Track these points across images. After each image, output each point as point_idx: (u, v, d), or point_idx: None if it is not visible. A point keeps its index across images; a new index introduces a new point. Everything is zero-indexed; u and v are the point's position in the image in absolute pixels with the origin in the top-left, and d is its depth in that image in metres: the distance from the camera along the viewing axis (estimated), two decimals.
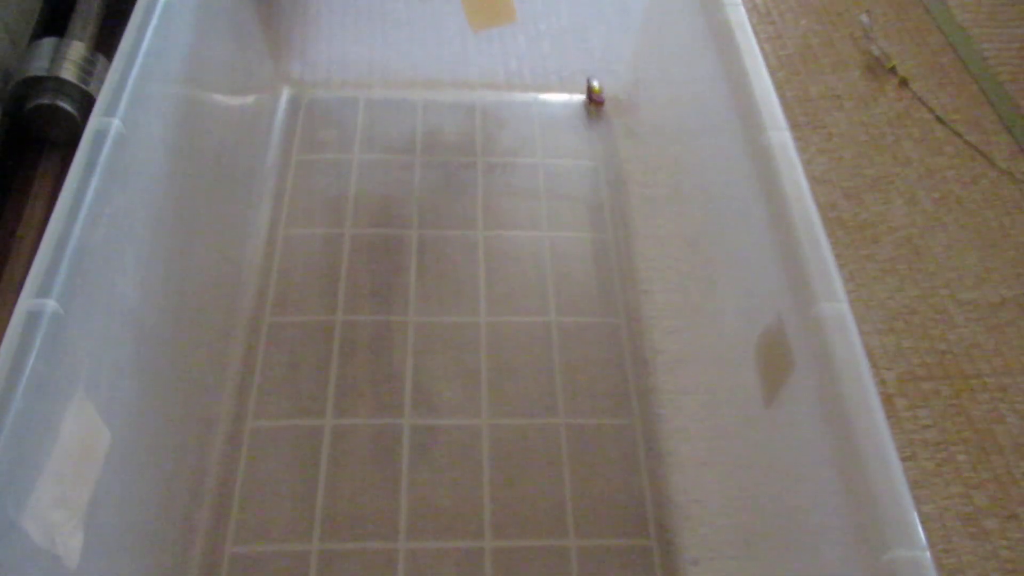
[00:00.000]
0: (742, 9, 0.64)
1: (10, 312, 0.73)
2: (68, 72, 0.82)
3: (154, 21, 0.59)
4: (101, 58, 0.86)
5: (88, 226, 0.48)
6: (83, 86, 0.83)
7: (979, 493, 0.71)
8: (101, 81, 0.85)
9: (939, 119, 1.00)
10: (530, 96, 0.94)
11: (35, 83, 0.82)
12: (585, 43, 0.91)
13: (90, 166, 0.51)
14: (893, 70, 1.04)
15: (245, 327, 0.73)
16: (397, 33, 0.89)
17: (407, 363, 0.72)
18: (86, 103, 0.84)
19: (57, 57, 0.83)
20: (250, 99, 0.85)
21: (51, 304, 0.45)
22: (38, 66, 0.82)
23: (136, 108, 0.55)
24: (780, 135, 0.56)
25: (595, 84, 0.91)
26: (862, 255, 0.87)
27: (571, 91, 0.95)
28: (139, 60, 0.56)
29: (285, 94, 0.91)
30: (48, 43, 0.84)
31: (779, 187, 0.54)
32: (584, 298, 0.78)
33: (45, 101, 0.82)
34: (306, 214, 0.82)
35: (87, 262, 0.48)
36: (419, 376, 0.71)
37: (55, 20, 0.91)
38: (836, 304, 0.48)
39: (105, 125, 0.53)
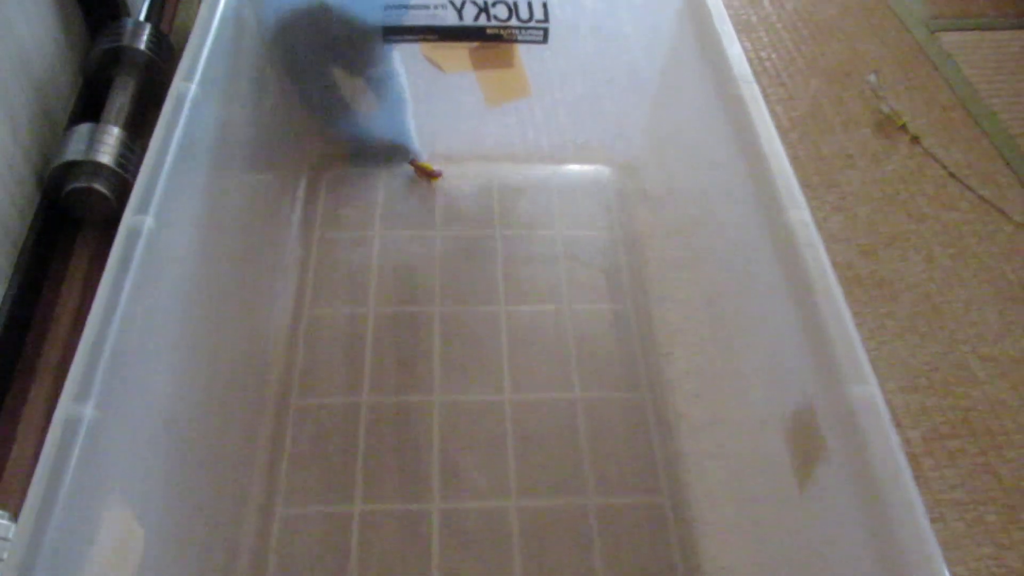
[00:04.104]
0: (755, 86, 0.65)
1: (47, 393, 0.76)
2: (104, 156, 0.86)
3: (183, 118, 0.60)
4: (135, 141, 0.90)
5: (123, 326, 0.49)
6: (118, 169, 0.86)
7: (1011, 554, 0.71)
8: (135, 163, 0.89)
9: (952, 175, 1.01)
10: (547, 167, 0.96)
11: (72, 167, 0.85)
12: (599, 113, 0.93)
13: (124, 266, 0.51)
14: (904, 128, 1.06)
15: (273, 410, 0.74)
16: (414, 109, 0.91)
17: (434, 444, 0.73)
18: (121, 185, 0.87)
19: (93, 141, 0.87)
20: (273, 179, 0.87)
21: (89, 411, 0.45)
22: (75, 150, 0.86)
23: (167, 203, 0.56)
24: (800, 214, 0.56)
25: (420, 161, 0.94)
26: (881, 313, 0.87)
27: (587, 161, 0.97)
28: (169, 157, 0.58)
29: (307, 172, 0.94)
30: (84, 128, 0.88)
31: (803, 271, 0.54)
32: (607, 369, 0.79)
33: (82, 184, 0.85)
34: (330, 293, 0.83)
35: (123, 363, 0.48)
36: (446, 457, 0.72)
37: (91, 106, 0.95)
38: (866, 387, 0.47)
39: (138, 223, 0.53)
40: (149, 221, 0.54)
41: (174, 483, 0.56)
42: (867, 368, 0.48)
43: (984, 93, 1.11)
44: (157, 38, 1.01)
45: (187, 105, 0.62)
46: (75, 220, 0.89)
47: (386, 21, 0.83)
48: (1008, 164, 1.03)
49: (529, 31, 0.84)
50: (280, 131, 0.89)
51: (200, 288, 0.63)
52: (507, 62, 0.86)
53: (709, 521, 0.69)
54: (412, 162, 0.94)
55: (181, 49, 1.02)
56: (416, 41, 0.85)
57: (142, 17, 1.10)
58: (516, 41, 0.85)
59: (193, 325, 0.61)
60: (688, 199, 0.83)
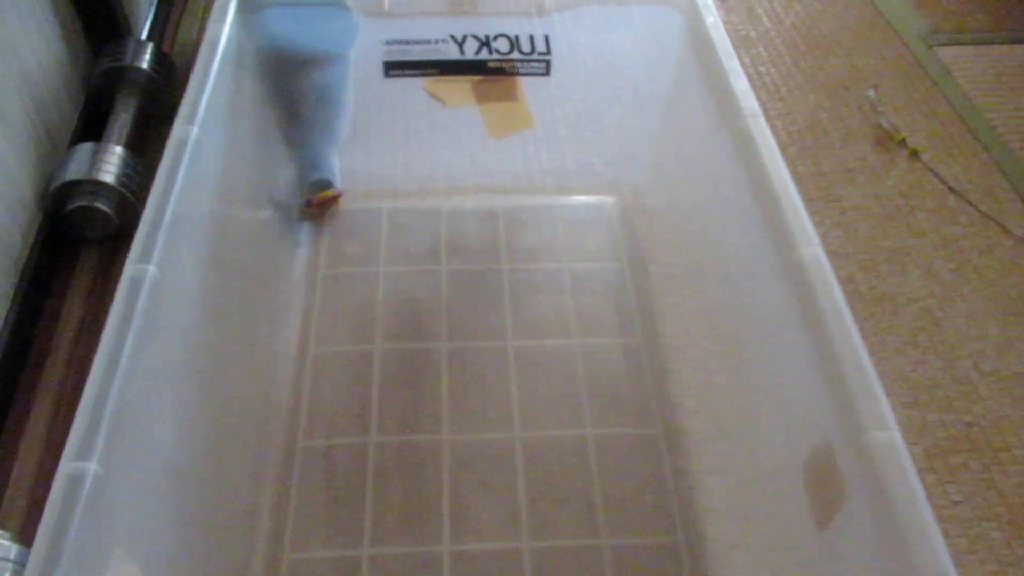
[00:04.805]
0: (763, 120, 0.64)
1: (48, 411, 0.76)
2: (106, 175, 0.86)
3: (184, 162, 0.60)
4: (137, 160, 0.90)
5: (126, 380, 0.48)
6: (120, 188, 0.86)
7: (1015, 571, 0.70)
8: (137, 182, 0.89)
9: (952, 189, 1.01)
10: (552, 198, 0.95)
11: (74, 186, 0.86)
12: (603, 143, 0.92)
13: (127, 318, 0.51)
14: (903, 142, 1.06)
15: (279, 452, 0.73)
16: (417, 143, 0.90)
17: (443, 484, 0.71)
18: (123, 204, 0.87)
19: (95, 160, 0.87)
20: (275, 218, 0.86)
21: (92, 467, 0.44)
22: (77, 169, 0.86)
23: (169, 250, 0.55)
24: (813, 251, 0.55)
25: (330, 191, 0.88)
26: (882, 328, 0.87)
27: (592, 192, 0.96)
28: (171, 204, 0.57)
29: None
30: (87, 147, 0.88)
31: (817, 310, 0.53)
32: (618, 404, 0.78)
33: (84, 203, 0.85)
34: (334, 331, 0.82)
35: (126, 417, 0.48)
36: (456, 497, 0.71)
37: (93, 125, 0.95)
38: (887, 433, 0.47)
39: (141, 272, 0.53)
40: (152, 270, 0.53)
41: (179, 532, 0.55)
42: (888, 415, 0.47)
43: (983, 107, 1.12)
44: (159, 57, 1.02)
45: (189, 148, 0.61)
46: (77, 239, 0.89)
47: (387, 57, 0.83)
48: (1007, 178, 1.03)
49: (531, 64, 0.84)
50: (281, 168, 0.88)
51: (204, 332, 0.62)
52: (510, 95, 0.86)
53: (725, 563, 0.67)
54: (309, 203, 0.88)
55: (183, 68, 1.03)
56: (418, 76, 0.85)
57: (144, 36, 1.10)
58: (518, 74, 0.85)
59: (197, 371, 0.60)
60: (695, 231, 0.82)
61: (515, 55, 0.84)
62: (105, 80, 0.98)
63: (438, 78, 0.85)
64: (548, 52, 0.84)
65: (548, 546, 0.68)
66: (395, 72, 0.84)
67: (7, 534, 0.65)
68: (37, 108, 0.87)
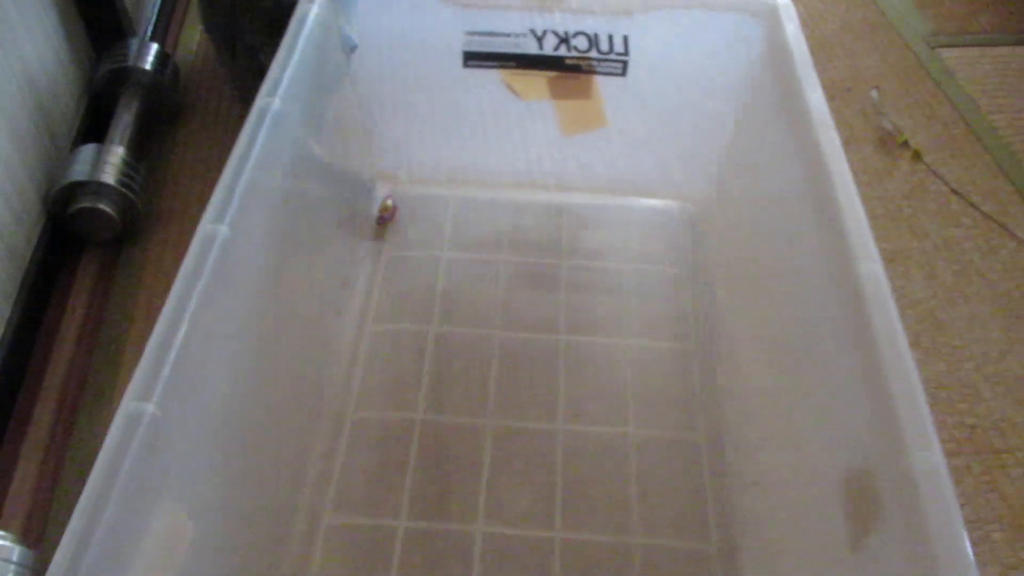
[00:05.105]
0: (835, 133, 0.64)
1: (50, 413, 0.76)
2: (109, 176, 0.86)
3: (263, 132, 0.62)
4: (140, 161, 0.90)
5: (191, 331, 0.50)
6: (123, 189, 0.86)
7: (1018, 574, 0.70)
8: (140, 183, 0.89)
9: (954, 191, 1.01)
10: (616, 199, 0.95)
11: (78, 187, 0.86)
12: (673, 148, 0.91)
13: (197, 271, 0.52)
14: (906, 144, 1.06)
15: (328, 421, 0.75)
16: (489, 134, 0.91)
17: (483, 467, 0.72)
18: (125, 204, 0.87)
19: (98, 162, 0.87)
20: (346, 195, 0.88)
21: (151, 408, 0.46)
22: (80, 170, 0.86)
23: (242, 214, 0.57)
24: (872, 267, 0.55)
25: (388, 202, 0.92)
26: None
27: (657, 196, 0.96)
28: (247, 170, 0.59)
29: (380, 190, 0.94)
30: (89, 148, 0.89)
31: (871, 328, 0.52)
32: (663, 408, 0.78)
33: (87, 204, 0.85)
34: (393, 310, 0.84)
35: (187, 366, 0.49)
36: (494, 481, 0.72)
37: (95, 126, 0.96)
38: (930, 454, 0.46)
39: (213, 231, 0.55)
40: (224, 230, 0.55)
41: (226, 483, 0.57)
42: (932, 435, 0.46)
43: (985, 109, 1.12)
44: (161, 58, 1.02)
45: (268, 119, 0.63)
46: (79, 240, 0.89)
47: (467, 47, 0.84)
48: (1010, 180, 1.03)
49: (608, 63, 0.84)
50: (356, 147, 0.90)
51: (267, 297, 0.64)
52: (585, 93, 0.86)
53: (757, 573, 0.67)
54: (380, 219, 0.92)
55: (186, 69, 1.03)
56: (495, 67, 0.85)
57: (147, 37, 1.10)
58: (595, 72, 0.85)
59: (258, 333, 0.62)
60: (757, 241, 0.81)
61: (593, 53, 0.84)
62: (108, 81, 0.98)
63: (515, 71, 0.85)
64: (626, 53, 0.84)
65: (580, 539, 0.69)
66: (473, 62, 0.85)
67: (10, 536, 0.65)
68: (40, 109, 0.87)
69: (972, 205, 1.00)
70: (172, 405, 0.48)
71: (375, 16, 0.82)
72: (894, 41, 1.23)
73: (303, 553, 0.67)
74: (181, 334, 0.50)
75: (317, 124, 0.76)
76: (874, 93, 1.12)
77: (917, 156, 1.05)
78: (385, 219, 0.92)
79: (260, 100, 0.64)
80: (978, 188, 1.02)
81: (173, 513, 0.49)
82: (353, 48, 0.83)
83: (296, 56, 0.69)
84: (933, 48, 1.21)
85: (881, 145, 1.07)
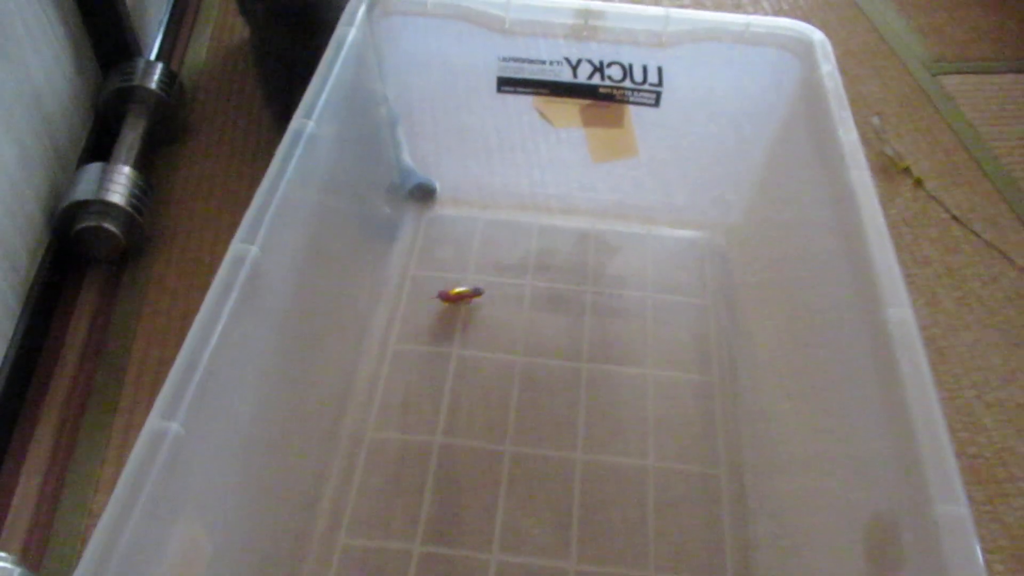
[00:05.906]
0: (868, 173, 0.64)
1: (52, 431, 0.76)
2: (114, 195, 0.86)
3: (296, 154, 0.63)
4: (146, 181, 0.91)
5: (218, 350, 0.51)
6: (128, 208, 0.87)
7: None
8: (145, 203, 0.89)
9: (955, 218, 1.02)
10: (645, 228, 0.96)
11: (83, 206, 0.86)
12: (703, 180, 0.91)
13: (226, 291, 0.53)
14: (907, 170, 1.07)
15: (347, 441, 0.75)
16: (519, 158, 0.91)
17: (500, 493, 0.72)
18: (130, 223, 0.88)
19: (103, 181, 0.87)
20: (374, 216, 0.89)
21: (175, 427, 0.47)
22: (85, 189, 0.87)
23: (272, 234, 0.58)
24: (901, 312, 0.54)
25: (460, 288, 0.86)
26: None
27: (685, 226, 0.96)
28: (280, 191, 0.60)
29: (408, 210, 0.95)
30: (95, 167, 0.89)
31: (898, 375, 0.52)
32: (684, 441, 0.78)
33: (91, 223, 0.86)
34: (417, 330, 0.84)
35: (212, 385, 0.50)
36: (510, 508, 0.71)
37: (101, 144, 0.96)
38: (957, 507, 0.45)
39: (243, 251, 0.56)
40: (254, 250, 0.56)
41: (245, 503, 0.57)
42: (960, 491, 0.46)
43: (986, 136, 1.12)
44: (168, 77, 1.02)
45: (303, 142, 0.64)
46: (84, 259, 0.90)
47: (501, 73, 0.85)
48: (1011, 207, 1.03)
49: (642, 93, 0.85)
50: (386, 166, 0.91)
51: (295, 316, 0.65)
52: (617, 122, 0.86)
53: None
54: (441, 294, 0.86)
55: (192, 88, 1.04)
56: (529, 94, 0.86)
57: (153, 56, 1.11)
58: (628, 102, 0.86)
59: (283, 352, 0.63)
60: (784, 276, 0.81)
61: (627, 83, 0.84)
62: (114, 100, 0.99)
63: (548, 98, 0.86)
64: (660, 84, 0.84)
65: (596, 571, 0.68)
66: (507, 88, 0.86)
67: (10, 557, 0.65)
68: (46, 127, 0.87)
69: (973, 232, 1.00)
70: (196, 424, 0.48)
71: (411, 39, 0.83)
72: (895, 68, 1.24)
73: (318, 573, 0.67)
74: (207, 353, 0.50)
75: (350, 146, 0.77)
76: (875, 119, 1.13)
77: (919, 183, 1.06)
78: (451, 297, 0.86)
79: (295, 122, 0.66)
80: (980, 215, 1.02)
81: (192, 531, 0.49)
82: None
83: (331, 80, 0.70)
84: (934, 75, 1.22)
85: (883, 171, 1.07)
